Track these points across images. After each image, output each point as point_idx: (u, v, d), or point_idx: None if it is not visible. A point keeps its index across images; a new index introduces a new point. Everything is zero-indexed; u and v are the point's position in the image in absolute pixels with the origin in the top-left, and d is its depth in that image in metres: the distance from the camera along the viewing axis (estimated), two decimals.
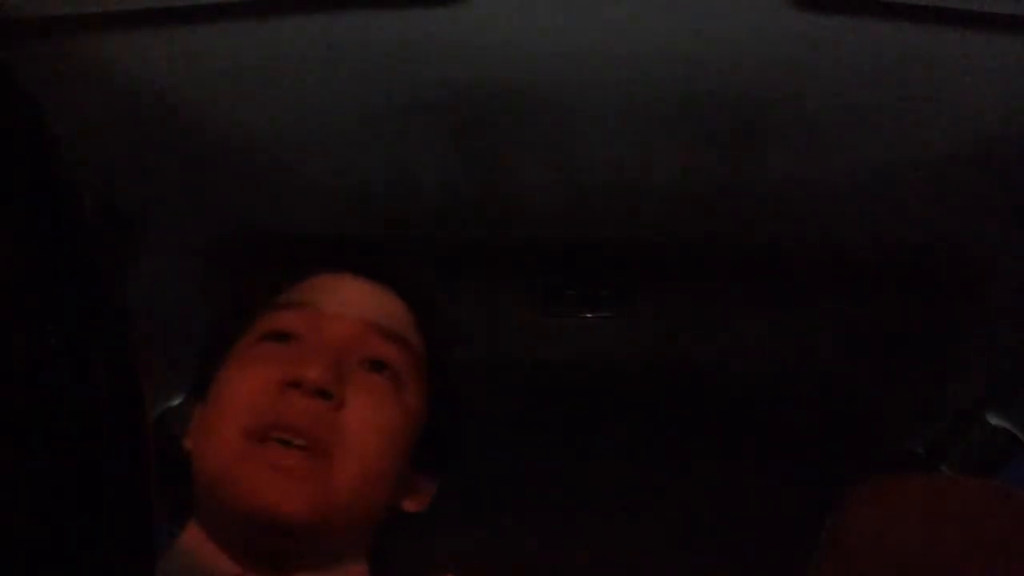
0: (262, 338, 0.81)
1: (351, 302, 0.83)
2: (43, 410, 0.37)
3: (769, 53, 0.98)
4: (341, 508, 0.76)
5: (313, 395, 0.76)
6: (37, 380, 0.37)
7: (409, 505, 0.85)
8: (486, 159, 1.16)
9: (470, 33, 0.96)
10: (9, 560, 0.36)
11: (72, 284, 0.39)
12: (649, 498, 1.75)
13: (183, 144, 1.12)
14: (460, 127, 1.10)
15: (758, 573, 1.71)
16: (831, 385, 1.60)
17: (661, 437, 1.69)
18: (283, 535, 0.74)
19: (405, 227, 1.27)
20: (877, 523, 1.03)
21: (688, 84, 1.02)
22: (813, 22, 0.94)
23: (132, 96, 1.04)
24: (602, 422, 1.69)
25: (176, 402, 1.42)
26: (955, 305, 1.37)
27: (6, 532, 0.36)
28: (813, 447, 1.67)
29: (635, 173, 1.18)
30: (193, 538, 0.78)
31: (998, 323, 1.38)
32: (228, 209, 1.25)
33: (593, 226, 1.29)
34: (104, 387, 0.39)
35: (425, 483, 0.87)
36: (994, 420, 1.52)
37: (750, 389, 1.62)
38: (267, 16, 0.95)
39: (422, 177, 1.19)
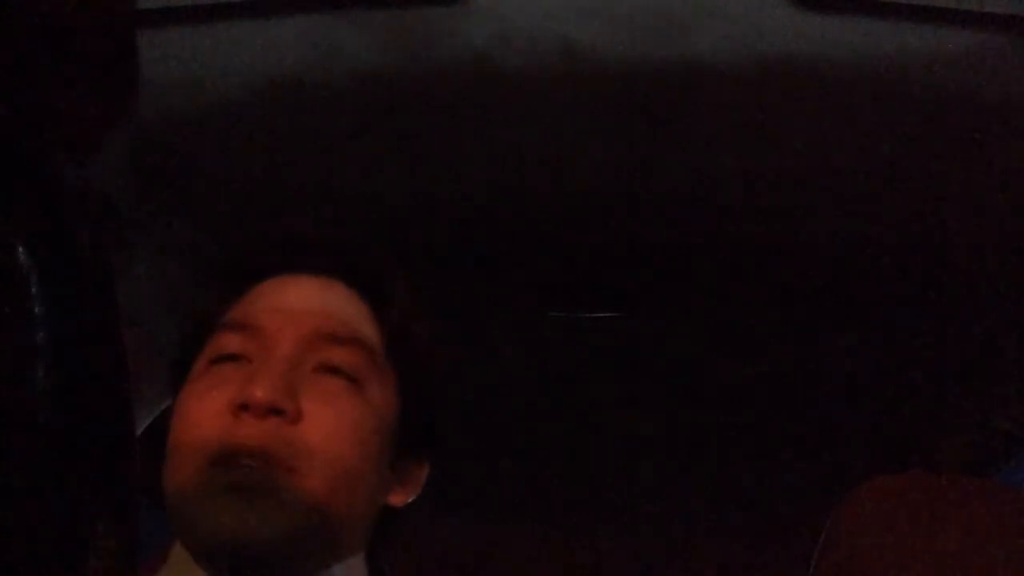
0: (212, 362, 0.80)
1: (295, 310, 0.81)
2: (26, 407, 0.37)
3: (769, 53, 0.98)
4: (313, 522, 0.74)
5: (265, 414, 0.74)
6: (22, 377, 0.37)
7: (397, 498, 0.84)
8: (485, 157, 1.16)
9: (470, 31, 0.96)
10: None
11: (66, 284, 0.39)
12: (649, 498, 1.75)
13: (183, 144, 1.12)
14: (458, 125, 1.10)
15: (759, 572, 1.71)
16: (831, 385, 1.60)
17: (661, 437, 1.69)
18: (256, 556, 0.73)
19: (405, 227, 1.27)
20: (877, 523, 1.03)
21: (688, 83, 1.02)
22: (813, 22, 0.94)
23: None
24: (602, 422, 1.69)
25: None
26: (955, 306, 1.37)
27: None
28: (813, 447, 1.67)
29: (634, 171, 1.18)
30: (179, 560, 0.78)
31: (998, 323, 1.38)
32: (228, 209, 1.25)
33: (593, 226, 1.29)
34: (89, 386, 0.39)
35: (413, 471, 0.86)
36: (994, 420, 1.52)
37: (750, 389, 1.62)
38: (267, 16, 0.95)
39: (422, 176, 1.19)
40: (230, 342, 0.80)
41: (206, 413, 0.76)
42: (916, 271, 1.33)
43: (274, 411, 0.75)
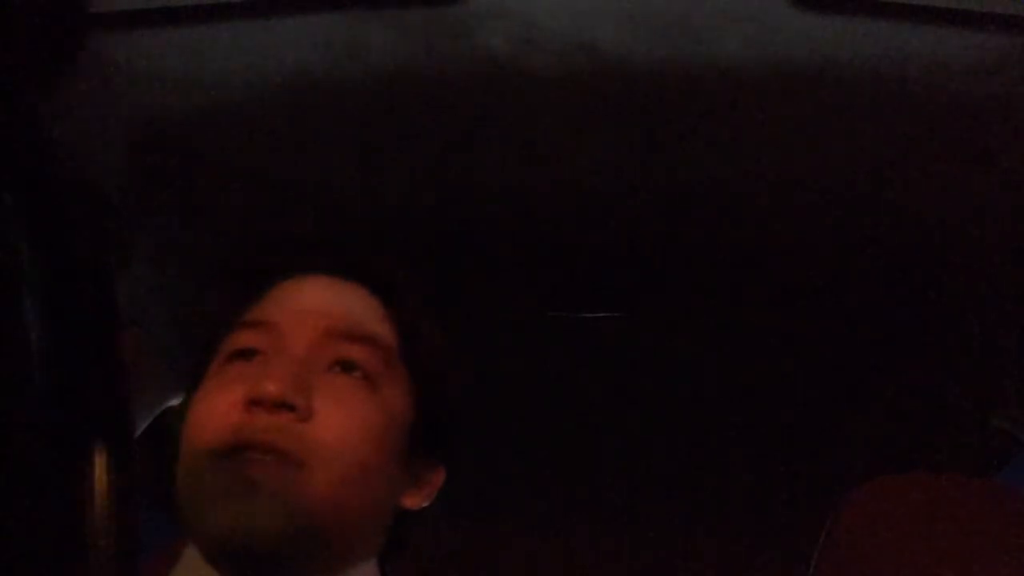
0: (228, 359, 0.81)
1: (310, 309, 0.81)
2: (25, 408, 0.37)
3: (769, 53, 0.98)
4: (323, 518, 0.74)
5: (276, 409, 0.75)
6: (20, 378, 0.37)
7: (411, 501, 0.84)
8: (485, 158, 1.16)
9: (468, 32, 0.96)
10: None
11: (65, 284, 0.39)
12: (649, 498, 1.75)
13: (183, 144, 1.12)
14: (458, 126, 1.10)
15: (759, 572, 1.71)
16: (831, 385, 1.60)
17: (661, 437, 1.69)
18: (263, 551, 0.73)
19: (405, 227, 1.27)
20: (877, 523, 1.03)
21: (687, 83, 1.02)
22: (813, 22, 0.94)
23: (132, 96, 1.04)
24: (602, 422, 1.69)
25: (176, 402, 1.42)
26: (955, 305, 1.37)
27: None
28: (813, 448, 1.67)
29: (634, 171, 1.18)
30: (190, 561, 0.78)
31: (998, 323, 1.38)
32: (228, 208, 1.25)
33: (593, 226, 1.29)
34: (88, 387, 0.39)
35: (429, 475, 0.86)
36: (994, 420, 1.52)
37: (750, 389, 1.62)
38: (267, 16, 0.95)
39: (422, 176, 1.19)
40: (245, 339, 0.81)
41: (219, 408, 0.76)
42: (916, 271, 1.33)
43: (285, 406, 0.75)
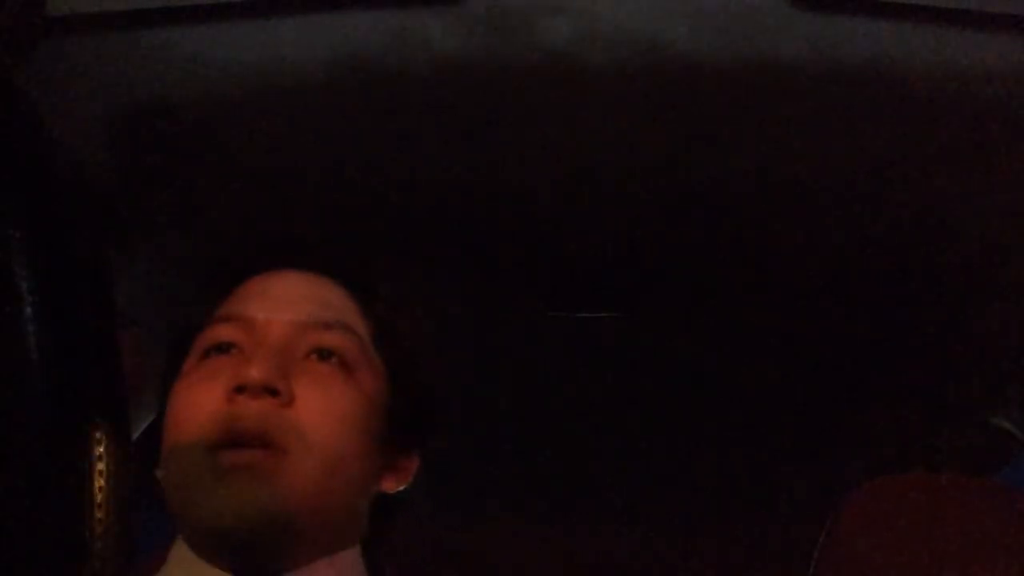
0: (204, 354, 0.82)
1: (284, 302, 0.83)
2: (23, 409, 0.37)
3: (769, 53, 0.98)
4: (307, 502, 0.76)
5: (260, 394, 0.76)
6: (19, 379, 0.37)
7: (388, 485, 0.85)
8: (485, 157, 1.16)
9: (468, 31, 0.96)
10: None
11: (64, 285, 0.39)
12: (648, 499, 1.75)
13: (182, 144, 1.12)
14: (459, 125, 1.10)
15: (759, 573, 1.71)
16: (831, 384, 1.60)
17: (661, 437, 1.69)
18: (251, 539, 0.74)
19: (405, 226, 1.27)
20: (877, 523, 1.03)
21: (687, 84, 1.02)
22: (813, 22, 0.94)
23: (132, 96, 1.04)
24: (602, 422, 1.69)
25: None
26: (955, 304, 1.37)
27: None
28: (813, 448, 1.67)
29: (633, 172, 1.18)
30: (180, 554, 0.78)
31: (998, 323, 1.38)
32: (228, 208, 1.25)
33: (593, 225, 1.29)
34: (87, 388, 0.39)
35: (404, 460, 0.87)
36: (994, 420, 1.52)
37: (750, 389, 1.62)
38: (267, 16, 0.96)
39: (422, 176, 1.19)
40: (221, 333, 0.82)
41: (203, 401, 0.77)
42: (916, 271, 1.33)
43: (268, 391, 0.76)
